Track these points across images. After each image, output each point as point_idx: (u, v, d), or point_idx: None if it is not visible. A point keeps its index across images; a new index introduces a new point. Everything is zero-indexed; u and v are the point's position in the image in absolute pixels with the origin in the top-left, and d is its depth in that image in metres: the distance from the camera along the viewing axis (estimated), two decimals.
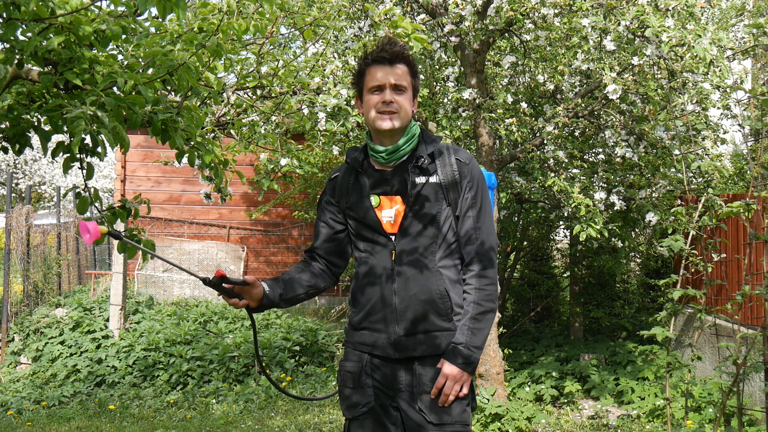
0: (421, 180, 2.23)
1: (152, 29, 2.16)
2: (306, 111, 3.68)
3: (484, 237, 2.24)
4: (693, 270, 3.89)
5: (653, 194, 5.46)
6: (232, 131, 3.56)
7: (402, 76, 2.22)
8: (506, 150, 5.91)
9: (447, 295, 2.21)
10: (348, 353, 2.34)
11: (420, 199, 2.22)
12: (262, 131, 3.80)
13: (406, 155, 2.26)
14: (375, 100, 2.22)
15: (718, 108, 5.01)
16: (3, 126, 2.07)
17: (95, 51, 2.00)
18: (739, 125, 5.40)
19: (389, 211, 2.25)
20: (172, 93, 2.26)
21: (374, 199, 2.27)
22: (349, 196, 2.32)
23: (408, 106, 2.24)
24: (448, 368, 2.16)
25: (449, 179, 2.24)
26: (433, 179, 2.24)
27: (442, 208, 2.23)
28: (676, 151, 4.97)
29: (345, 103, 3.68)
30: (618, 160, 5.25)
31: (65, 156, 2.04)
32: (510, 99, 4.90)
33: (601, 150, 5.74)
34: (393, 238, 2.24)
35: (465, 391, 2.18)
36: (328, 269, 2.41)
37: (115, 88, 1.94)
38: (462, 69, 5.19)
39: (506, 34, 5.14)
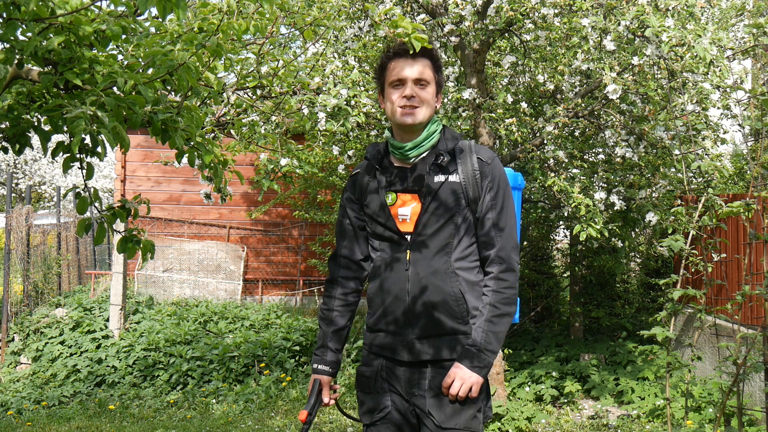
0: (440, 178, 2.15)
1: (152, 29, 2.16)
2: (306, 111, 3.68)
3: (504, 240, 2.16)
4: (693, 270, 3.89)
5: (653, 194, 5.45)
6: (232, 131, 3.55)
7: (424, 70, 2.16)
8: (506, 150, 5.91)
9: (462, 297, 2.14)
10: (365, 357, 2.28)
11: (437, 198, 2.14)
12: (262, 131, 3.80)
13: (426, 152, 2.19)
14: (396, 95, 2.16)
15: (718, 108, 5.00)
16: (3, 126, 2.07)
17: (95, 51, 1.99)
18: (739, 125, 5.40)
19: (405, 209, 2.18)
20: (172, 93, 2.26)
21: (390, 197, 2.19)
22: (366, 193, 2.25)
23: (431, 100, 2.17)
24: (458, 368, 2.09)
25: (469, 178, 2.16)
26: (452, 178, 2.16)
27: (461, 208, 2.14)
28: (676, 151, 4.96)
29: (345, 103, 3.67)
30: (618, 160, 5.24)
31: (65, 156, 2.04)
32: (510, 99, 4.89)
33: (601, 150, 5.74)
34: (408, 237, 2.16)
35: (474, 393, 2.08)
36: (354, 279, 2.33)
37: (115, 88, 1.94)
38: (462, 69, 5.19)
39: (506, 34, 5.14)
